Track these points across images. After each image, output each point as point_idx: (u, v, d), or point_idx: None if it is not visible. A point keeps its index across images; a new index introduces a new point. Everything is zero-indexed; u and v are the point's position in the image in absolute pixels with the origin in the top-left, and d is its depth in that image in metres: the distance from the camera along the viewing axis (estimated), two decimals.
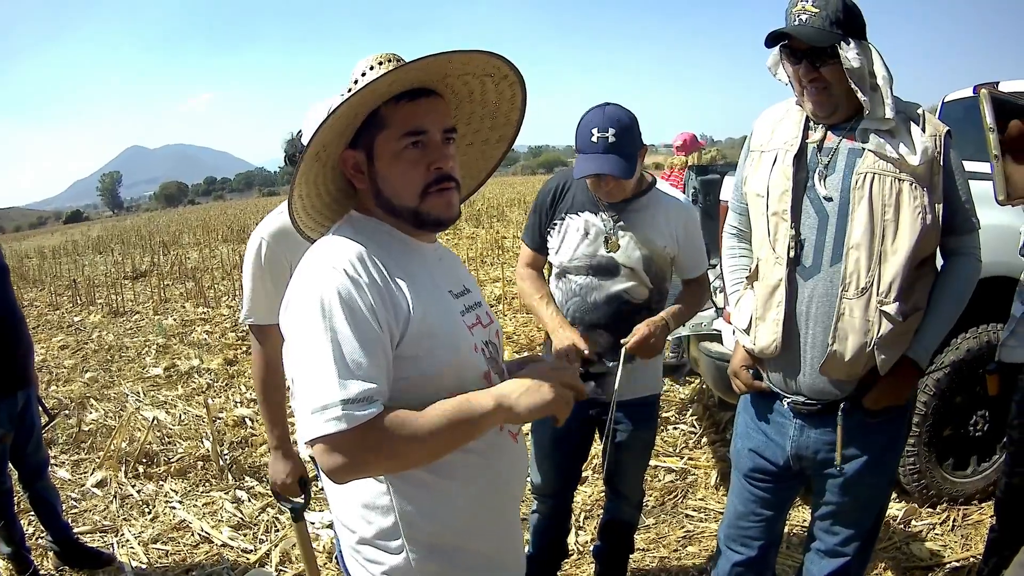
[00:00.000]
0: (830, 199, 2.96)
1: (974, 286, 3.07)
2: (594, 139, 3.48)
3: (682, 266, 3.81)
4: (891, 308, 2.89)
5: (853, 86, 2.87)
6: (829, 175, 2.97)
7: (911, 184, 2.86)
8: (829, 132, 3.02)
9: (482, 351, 2.22)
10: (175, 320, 13.68)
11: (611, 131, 3.47)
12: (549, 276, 3.93)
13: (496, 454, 2.20)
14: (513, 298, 12.37)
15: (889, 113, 2.88)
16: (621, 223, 3.65)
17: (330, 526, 3.90)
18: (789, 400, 3.17)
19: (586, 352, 3.52)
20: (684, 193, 6.63)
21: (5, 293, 4.82)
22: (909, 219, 2.86)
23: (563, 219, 3.75)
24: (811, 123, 3.09)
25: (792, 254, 3.03)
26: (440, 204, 2.11)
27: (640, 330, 3.59)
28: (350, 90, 2.09)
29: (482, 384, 2.14)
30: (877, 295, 2.90)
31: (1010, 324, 3.63)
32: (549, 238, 3.82)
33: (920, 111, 2.98)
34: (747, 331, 3.26)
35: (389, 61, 2.10)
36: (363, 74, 2.10)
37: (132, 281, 19.52)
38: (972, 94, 8.17)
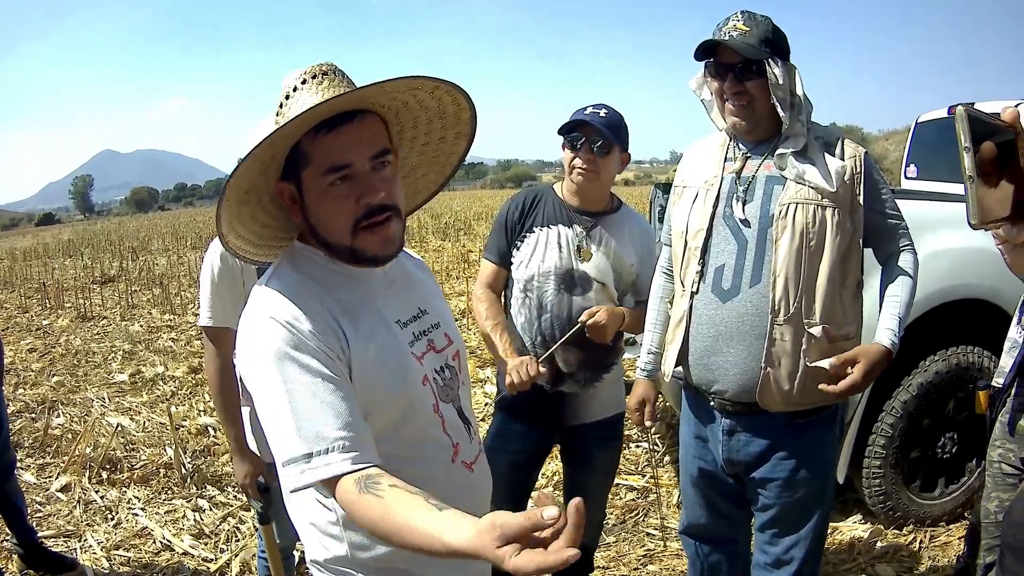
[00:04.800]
0: (747, 224, 3.10)
1: (918, 272, 3.18)
2: (586, 112, 3.57)
3: (640, 286, 3.81)
4: (816, 330, 3.03)
5: (775, 101, 3.02)
6: (748, 202, 3.12)
7: (833, 210, 3.01)
8: (748, 161, 3.17)
9: (432, 381, 2.15)
10: (141, 326, 13.58)
11: (604, 110, 3.58)
12: (510, 291, 3.86)
13: (450, 483, 2.13)
14: None
15: (802, 129, 3.05)
16: (593, 235, 3.66)
17: None
18: (715, 401, 3.28)
19: (542, 373, 3.51)
20: (650, 211, 6.67)
21: None
22: (832, 243, 3.01)
23: (533, 232, 3.72)
24: (729, 153, 3.25)
25: (696, 288, 3.20)
26: (375, 241, 2.01)
27: (598, 309, 3.57)
28: (276, 122, 1.98)
29: (429, 414, 2.11)
30: (805, 318, 3.03)
31: (1012, 349, 3.64)
32: (516, 251, 3.77)
33: (839, 137, 3.15)
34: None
35: (321, 76, 2.00)
36: (291, 93, 2.01)
37: (101, 286, 19.36)
38: (947, 115, 8.19)
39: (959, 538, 4.84)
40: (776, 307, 3.03)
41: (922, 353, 4.84)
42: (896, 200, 3.20)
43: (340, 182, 1.94)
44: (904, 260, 3.15)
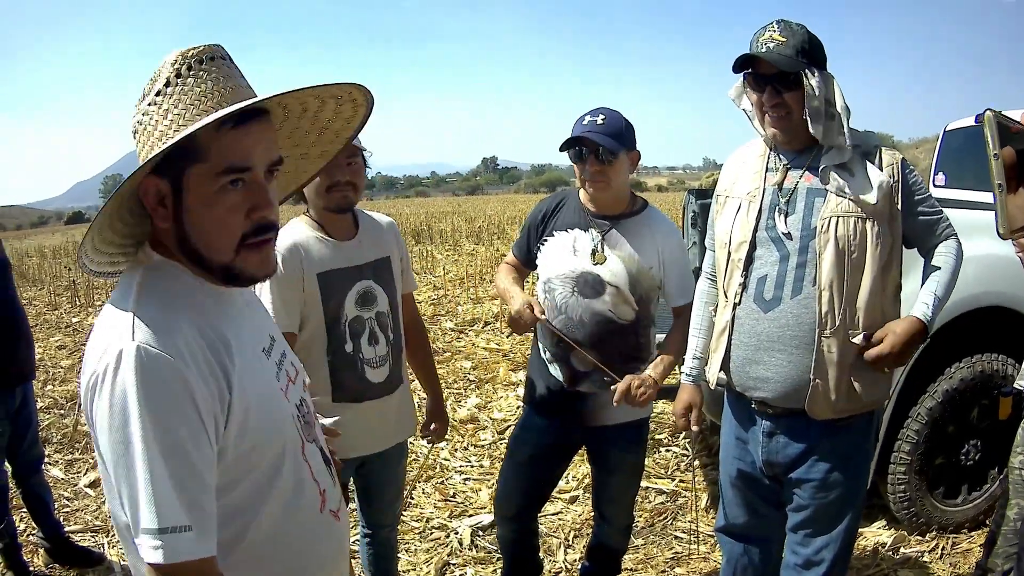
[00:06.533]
0: (789, 236, 3.12)
1: (961, 256, 3.20)
2: (584, 122, 3.58)
3: (670, 291, 3.82)
4: (859, 338, 3.06)
5: (807, 115, 3.02)
6: (790, 214, 3.14)
7: (872, 222, 3.03)
8: (789, 172, 3.19)
9: (297, 419, 1.95)
10: None
11: (601, 116, 3.59)
12: (534, 289, 3.93)
13: (319, 536, 2.00)
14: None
15: (844, 141, 3.05)
16: (608, 239, 3.69)
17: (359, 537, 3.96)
18: (756, 404, 3.32)
19: (542, 312, 3.61)
20: (683, 216, 6.67)
21: (6, 288, 4.84)
22: (873, 255, 3.03)
23: (553, 235, 3.79)
24: (770, 163, 3.26)
25: (738, 299, 3.24)
26: (257, 260, 1.78)
27: (626, 382, 3.58)
28: (154, 104, 1.70)
29: (299, 461, 1.92)
30: (849, 328, 3.06)
31: None
32: (538, 253, 3.85)
33: (876, 144, 3.16)
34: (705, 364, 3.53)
35: (219, 59, 1.73)
36: (167, 83, 1.69)
37: None
38: (974, 123, 8.13)
39: (980, 545, 4.85)
40: (823, 320, 3.06)
41: (947, 360, 4.85)
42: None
43: (232, 186, 1.70)
44: (945, 246, 3.18)
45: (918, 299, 3.11)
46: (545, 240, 3.82)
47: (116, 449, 1.58)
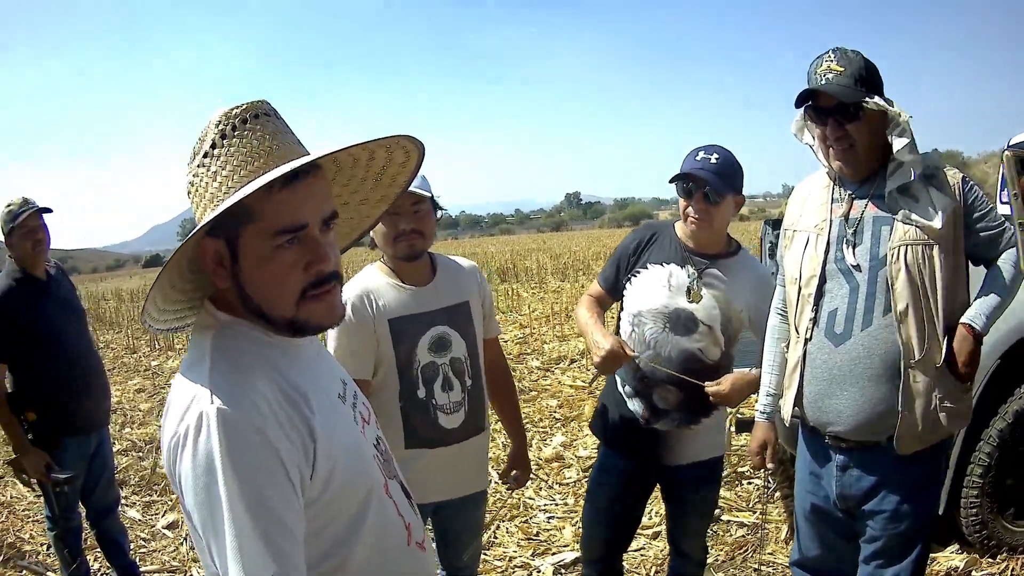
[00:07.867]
0: (858, 267, 3.12)
1: (1019, 261, 3.14)
2: (697, 158, 3.56)
3: (759, 330, 3.76)
4: (939, 361, 3.04)
5: (888, 131, 3.01)
6: (857, 245, 3.14)
7: (938, 247, 3.00)
8: (854, 202, 3.18)
9: (377, 459, 1.98)
10: None
11: (715, 155, 3.55)
12: (618, 321, 3.88)
13: (409, 570, 2.00)
14: None
15: (912, 156, 3.00)
16: (705, 277, 3.66)
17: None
18: (830, 434, 3.29)
19: (630, 351, 3.56)
20: (760, 247, 6.64)
21: (83, 335, 4.95)
22: (942, 279, 3.01)
23: (647, 268, 3.75)
24: (835, 194, 3.25)
25: (809, 335, 3.23)
26: (321, 310, 1.80)
27: (728, 379, 3.57)
28: (202, 166, 1.75)
29: (383, 499, 1.92)
30: (933, 353, 3.04)
31: None
32: (628, 284, 3.80)
33: (937, 165, 3.12)
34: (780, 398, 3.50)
35: (263, 116, 1.76)
36: (213, 144, 1.73)
37: None
38: None
39: None
40: (908, 350, 3.05)
41: (1017, 381, 4.81)
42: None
43: (288, 244, 1.71)
44: (1003, 258, 3.14)
45: (974, 308, 3.10)
46: (638, 272, 3.78)
47: (203, 509, 1.60)
